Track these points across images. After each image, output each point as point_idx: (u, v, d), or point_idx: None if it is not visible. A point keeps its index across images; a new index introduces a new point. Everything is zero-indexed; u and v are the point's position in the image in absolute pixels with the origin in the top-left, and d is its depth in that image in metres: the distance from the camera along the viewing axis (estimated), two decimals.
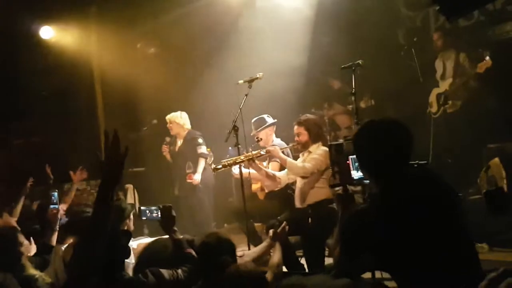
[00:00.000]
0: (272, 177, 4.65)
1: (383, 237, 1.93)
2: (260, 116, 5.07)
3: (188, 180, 5.82)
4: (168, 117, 6.06)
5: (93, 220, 1.91)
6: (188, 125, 6.06)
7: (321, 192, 4.26)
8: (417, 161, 2.14)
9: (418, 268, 1.94)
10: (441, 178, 2.08)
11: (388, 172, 2.04)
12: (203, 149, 5.85)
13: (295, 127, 4.57)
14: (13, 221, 4.85)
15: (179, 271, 2.61)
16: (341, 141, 2.79)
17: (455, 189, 2.14)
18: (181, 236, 2.86)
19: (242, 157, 4.54)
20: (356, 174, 2.41)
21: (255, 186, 5.07)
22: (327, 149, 4.23)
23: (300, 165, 4.40)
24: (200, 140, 5.90)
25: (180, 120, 6.00)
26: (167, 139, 6.21)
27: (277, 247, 3.07)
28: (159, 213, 2.98)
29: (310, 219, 4.21)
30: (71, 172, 5.68)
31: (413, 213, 1.94)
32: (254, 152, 4.64)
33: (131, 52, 7.51)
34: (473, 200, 4.94)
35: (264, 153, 4.63)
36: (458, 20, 6.03)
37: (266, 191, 4.92)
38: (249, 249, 4.19)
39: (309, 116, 4.70)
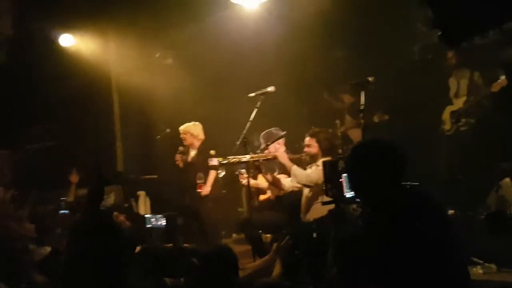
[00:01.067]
0: (277, 182, 4.67)
1: (376, 262, 1.94)
2: (268, 130, 5.11)
3: (198, 190, 5.84)
4: (181, 127, 6.09)
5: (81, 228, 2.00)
6: (201, 136, 6.07)
7: (326, 206, 4.26)
8: (409, 182, 2.14)
9: None
10: (433, 199, 2.08)
11: (379, 194, 2.05)
12: (214, 161, 5.81)
13: (307, 138, 4.60)
14: (32, 227, 4.84)
15: (182, 280, 2.65)
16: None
17: (446, 211, 2.14)
18: (186, 245, 2.91)
19: (248, 157, 4.54)
20: (349, 193, 2.42)
21: (263, 197, 5.11)
22: None
23: (305, 173, 4.43)
24: (212, 152, 5.92)
25: (193, 130, 6.02)
26: (180, 148, 6.22)
27: (278, 261, 3.09)
28: (164, 221, 3.04)
29: (315, 234, 4.22)
30: (68, 176, 6.45)
31: (404, 236, 1.95)
32: (261, 154, 4.66)
33: (148, 62, 7.64)
34: (482, 220, 4.88)
35: (270, 157, 4.65)
36: (473, 38, 6.02)
37: (270, 194, 4.94)
38: (254, 260, 4.21)
39: (322, 129, 4.72)
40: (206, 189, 5.82)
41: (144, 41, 7.28)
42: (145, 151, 7.88)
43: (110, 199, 7.56)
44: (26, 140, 7.66)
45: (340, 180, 2.45)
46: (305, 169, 4.68)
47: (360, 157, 2.11)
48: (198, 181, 5.84)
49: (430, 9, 1.96)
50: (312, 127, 5.33)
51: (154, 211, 6.98)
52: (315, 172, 4.40)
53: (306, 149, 4.57)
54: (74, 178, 6.39)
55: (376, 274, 1.96)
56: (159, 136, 7.41)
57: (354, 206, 2.76)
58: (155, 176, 7.50)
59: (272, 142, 4.98)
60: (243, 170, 4.91)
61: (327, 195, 2.48)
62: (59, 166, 6.97)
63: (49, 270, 3.10)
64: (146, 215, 3.14)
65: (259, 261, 3.34)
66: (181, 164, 6.19)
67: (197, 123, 6.10)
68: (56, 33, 7.38)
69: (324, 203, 2.50)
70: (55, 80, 7.22)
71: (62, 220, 3.80)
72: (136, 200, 7.19)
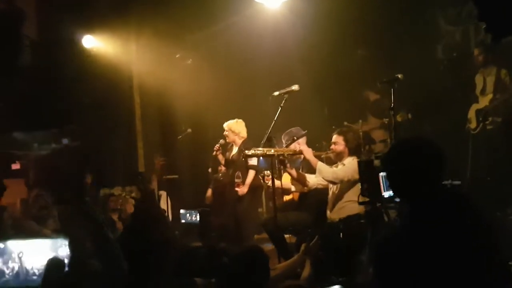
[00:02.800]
0: (302, 178, 4.61)
1: (414, 264, 1.89)
2: (289, 130, 5.05)
3: (236, 189, 5.70)
4: (225, 124, 5.93)
5: None
6: (243, 134, 5.88)
7: (353, 206, 4.21)
8: (450, 181, 2.08)
9: None
10: (473, 201, 2.02)
11: (419, 194, 1.98)
12: (253, 161, 5.62)
13: (334, 135, 4.55)
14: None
15: (213, 280, 2.62)
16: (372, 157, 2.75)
17: (486, 214, 2.08)
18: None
19: (273, 151, 4.45)
20: (386, 192, 2.36)
21: (287, 197, 5.07)
22: None
23: (331, 170, 4.38)
24: (252, 151, 5.75)
25: (235, 128, 5.85)
26: (221, 141, 6.09)
27: (307, 261, 3.05)
28: (198, 217, 3.00)
29: (341, 234, 4.17)
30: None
31: (444, 239, 1.89)
32: (286, 149, 4.60)
33: (169, 62, 7.65)
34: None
35: (296, 152, 4.57)
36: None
37: (293, 189, 4.87)
38: (279, 261, 4.17)
39: (350, 127, 4.66)
40: (243, 189, 5.63)
41: (165, 41, 7.30)
42: (166, 151, 7.89)
43: (131, 199, 7.59)
44: (49, 140, 7.73)
45: (377, 179, 2.39)
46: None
47: (401, 155, 2.05)
48: (236, 180, 5.71)
49: (473, 2, 1.90)
50: (333, 127, 5.29)
51: (174, 211, 7.01)
52: (341, 169, 4.35)
53: (332, 147, 4.51)
54: (88, 179, 6.37)
55: (413, 276, 1.91)
56: (180, 136, 7.42)
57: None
58: (176, 176, 7.50)
59: (292, 142, 4.92)
60: (268, 172, 4.87)
61: (363, 195, 2.43)
62: (79, 166, 7.01)
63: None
64: (181, 211, 3.14)
65: (288, 261, 3.31)
66: (220, 156, 6.11)
67: (239, 120, 5.91)
68: (79, 35, 7.44)
69: (360, 203, 2.45)
70: (77, 81, 7.28)
71: None
72: (158, 200, 7.21)
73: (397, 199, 2.38)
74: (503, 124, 5.58)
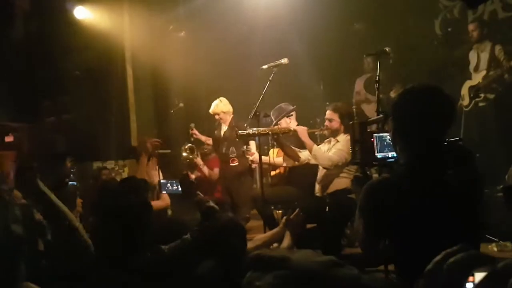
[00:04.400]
0: (295, 155, 4.56)
1: (402, 209, 1.88)
2: (279, 106, 5.00)
3: (231, 164, 5.83)
4: (211, 110, 6.02)
5: None
6: (231, 110, 6.01)
7: (340, 181, 4.21)
8: (447, 139, 2.07)
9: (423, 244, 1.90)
10: (471, 156, 2.01)
11: (425, 142, 1.95)
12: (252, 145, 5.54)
13: (328, 112, 4.45)
14: None
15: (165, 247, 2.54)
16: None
17: (480, 172, 2.07)
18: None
19: (267, 129, 4.43)
20: (380, 153, 2.32)
21: (274, 172, 5.07)
22: None
23: (327, 157, 4.28)
24: (247, 131, 5.76)
25: (223, 107, 5.96)
26: (192, 124, 6.27)
27: (287, 233, 3.05)
28: (179, 185, 2.97)
29: (327, 207, 4.17)
30: None
31: (438, 189, 1.89)
32: (281, 127, 4.56)
33: (162, 34, 7.56)
34: (500, 197, 4.78)
35: (290, 131, 4.54)
36: (496, 11, 5.88)
37: (285, 164, 4.88)
38: None
39: (344, 103, 4.61)
40: (255, 156, 5.29)
41: (158, 13, 7.20)
42: (159, 125, 7.87)
43: (124, 173, 7.60)
44: (41, 113, 7.68)
45: (371, 140, 2.35)
46: (320, 143, 4.59)
47: (411, 102, 1.99)
48: (231, 155, 5.82)
49: None
50: (327, 103, 5.24)
51: None
52: (336, 153, 4.28)
53: (327, 124, 4.42)
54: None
55: (396, 223, 1.91)
56: (172, 111, 7.38)
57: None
58: (169, 151, 7.48)
59: (281, 118, 4.86)
60: (250, 146, 4.85)
61: (354, 158, 2.38)
62: (73, 139, 7.01)
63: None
64: (161, 181, 3.15)
65: (268, 233, 3.31)
66: (202, 137, 6.29)
67: (222, 98, 6.01)
68: (71, 6, 7.33)
69: (353, 163, 2.42)
70: (69, 53, 7.20)
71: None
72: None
73: (390, 160, 2.34)
74: (495, 101, 5.55)
